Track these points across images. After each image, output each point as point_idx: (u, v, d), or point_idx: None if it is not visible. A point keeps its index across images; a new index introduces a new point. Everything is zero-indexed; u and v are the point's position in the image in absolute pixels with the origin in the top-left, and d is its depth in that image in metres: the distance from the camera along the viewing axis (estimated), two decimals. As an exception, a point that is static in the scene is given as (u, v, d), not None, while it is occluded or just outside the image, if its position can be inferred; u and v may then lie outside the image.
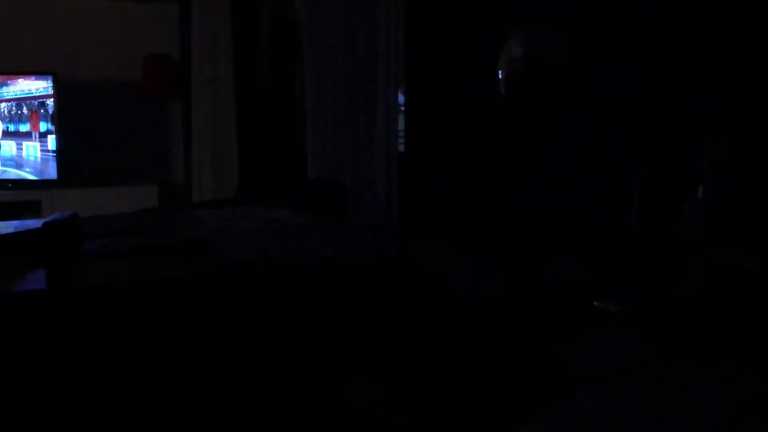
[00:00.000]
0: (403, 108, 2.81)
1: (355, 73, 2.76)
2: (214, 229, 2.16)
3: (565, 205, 2.02)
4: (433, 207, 2.61)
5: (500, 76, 1.79)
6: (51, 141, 4.26)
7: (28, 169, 4.37)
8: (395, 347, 1.66)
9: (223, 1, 4.01)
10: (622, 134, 1.94)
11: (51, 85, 4.24)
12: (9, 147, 4.39)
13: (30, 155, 4.36)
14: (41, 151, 4.32)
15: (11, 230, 1.52)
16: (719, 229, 1.90)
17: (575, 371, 1.50)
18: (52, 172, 4.27)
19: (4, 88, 4.34)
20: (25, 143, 4.37)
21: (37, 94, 4.30)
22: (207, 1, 4.07)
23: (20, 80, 4.31)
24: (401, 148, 2.78)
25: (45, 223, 1.31)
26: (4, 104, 4.36)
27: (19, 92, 4.34)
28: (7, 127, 4.39)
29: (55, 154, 4.25)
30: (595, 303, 1.82)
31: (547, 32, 1.77)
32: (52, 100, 4.25)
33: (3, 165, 4.39)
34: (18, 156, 4.39)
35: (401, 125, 2.81)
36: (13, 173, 4.38)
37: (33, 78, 4.29)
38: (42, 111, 4.29)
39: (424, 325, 1.72)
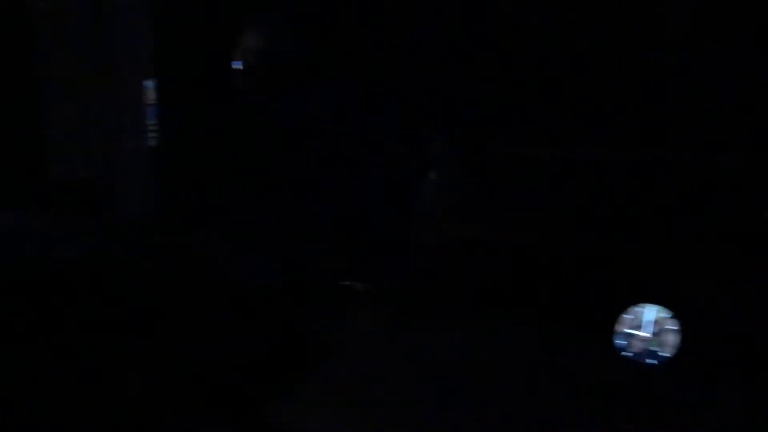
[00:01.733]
0: (153, 101, 2.72)
1: (98, 63, 2.61)
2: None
3: (315, 193, 2.13)
4: (193, 201, 2.58)
5: (237, 69, 1.81)
6: None
7: None
8: (153, 339, 1.64)
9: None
10: (360, 126, 2.09)
11: None
12: None
13: None
14: None
15: None
16: (452, 206, 2.15)
17: (328, 347, 1.61)
18: None
19: None
20: None
21: None
22: None
23: None
24: (154, 142, 2.70)
25: None
26: None
27: None
28: None
29: None
30: (345, 283, 1.96)
31: (284, 26, 1.83)
32: None
33: None
34: None
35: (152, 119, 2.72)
36: None
37: None
38: None
39: (181, 316, 1.71)
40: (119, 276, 1.79)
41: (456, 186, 2.17)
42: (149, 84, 2.65)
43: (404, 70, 2.01)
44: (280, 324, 1.81)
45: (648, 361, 1.83)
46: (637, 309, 1.85)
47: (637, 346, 1.84)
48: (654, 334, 1.83)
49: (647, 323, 1.84)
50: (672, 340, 1.80)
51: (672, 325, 1.80)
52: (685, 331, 1.80)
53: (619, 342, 1.86)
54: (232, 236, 2.18)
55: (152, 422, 1.41)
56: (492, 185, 2.15)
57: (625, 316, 1.85)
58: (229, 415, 1.44)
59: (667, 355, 1.80)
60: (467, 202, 2.19)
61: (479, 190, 2.17)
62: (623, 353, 1.85)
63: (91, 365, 1.49)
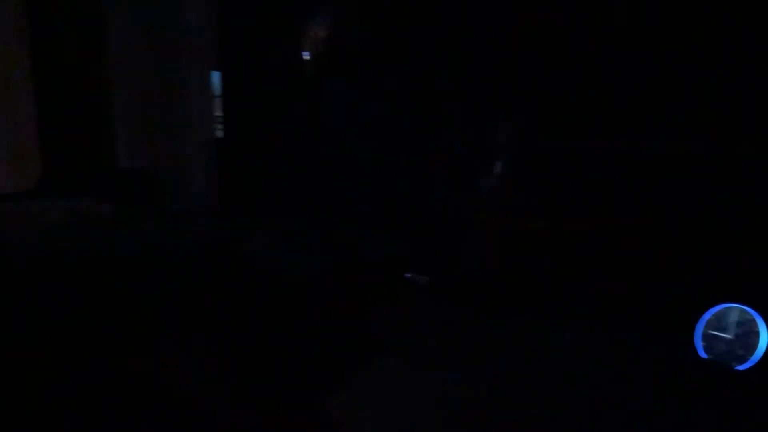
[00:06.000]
0: (220, 92, 2.72)
1: (164, 55, 2.63)
2: (6, 224, 1.98)
3: (378, 184, 2.09)
4: (256, 191, 2.58)
5: (305, 58, 1.80)
6: None
7: None
8: (213, 330, 1.63)
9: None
10: (425, 115, 2.04)
11: None
12: None
13: None
14: None
15: None
16: (510, 199, 2.07)
17: (386, 339, 1.57)
18: None
19: None
20: None
21: None
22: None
23: None
24: (220, 133, 2.70)
25: None
26: None
27: None
28: None
29: None
30: (408, 275, 1.91)
31: (349, 14, 1.80)
32: None
33: None
34: None
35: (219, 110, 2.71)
36: None
37: None
38: None
39: (240, 305, 1.70)
40: (168, 268, 1.80)
41: (516, 179, 2.09)
42: (215, 76, 2.64)
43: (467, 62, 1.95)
44: (328, 314, 1.77)
45: (731, 364, 1.71)
46: (719, 309, 1.73)
47: (719, 348, 1.73)
48: (737, 336, 1.71)
49: (730, 325, 1.72)
50: (755, 342, 1.68)
51: (755, 327, 1.68)
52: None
53: (700, 343, 1.75)
54: (289, 228, 2.16)
55: (192, 409, 1.39)
56: (560, 178, 2.06)
57: (707, 317, 1.74)
58: (270, 403, 1.41)
59: (752, 358, 1.68)
60: (530, 195, 2.10)
61: (544, 183, 2.08)
62: (704, 355, 1.74)
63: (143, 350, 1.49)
